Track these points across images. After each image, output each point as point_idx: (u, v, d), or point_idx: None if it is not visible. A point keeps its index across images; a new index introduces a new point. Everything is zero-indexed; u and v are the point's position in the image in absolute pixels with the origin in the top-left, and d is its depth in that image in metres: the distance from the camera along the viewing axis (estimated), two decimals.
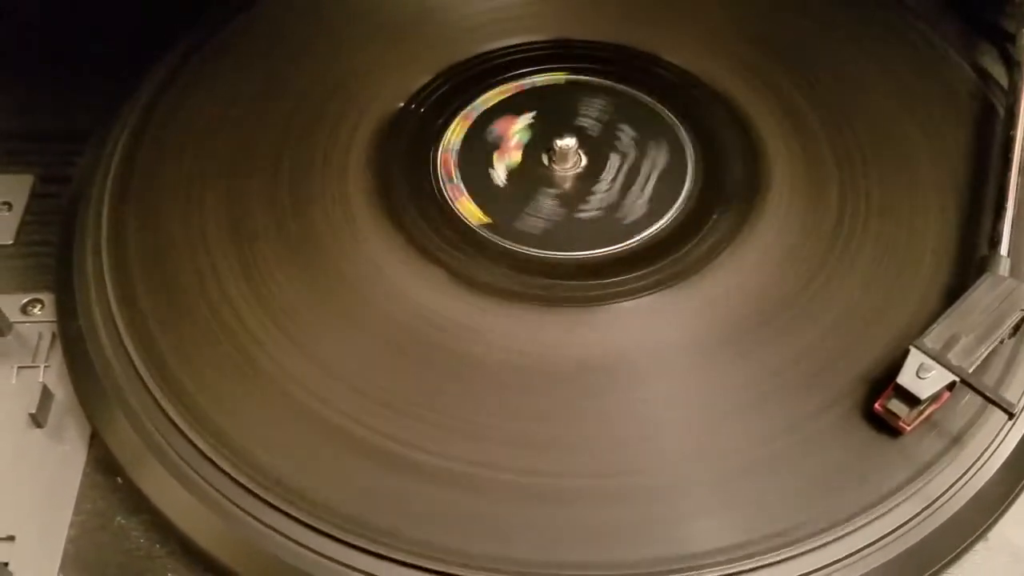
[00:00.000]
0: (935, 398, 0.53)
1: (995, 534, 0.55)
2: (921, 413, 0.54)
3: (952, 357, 0.53)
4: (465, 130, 0.71)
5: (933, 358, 0.53)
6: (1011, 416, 0.53)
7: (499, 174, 0.69)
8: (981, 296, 0.56)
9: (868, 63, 0.75)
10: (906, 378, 0.53)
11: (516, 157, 0.69)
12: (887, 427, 0.55)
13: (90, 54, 0.80)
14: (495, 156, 0.70)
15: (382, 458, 0.55)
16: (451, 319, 0.60)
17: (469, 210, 0.66)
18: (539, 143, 0.70)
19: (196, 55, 0.75)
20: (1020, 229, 0.62)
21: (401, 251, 0.64)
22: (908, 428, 0.54)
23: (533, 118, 0.72)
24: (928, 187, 0.66)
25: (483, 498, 0.53)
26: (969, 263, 0.61)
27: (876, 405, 0.55)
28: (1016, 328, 0.56)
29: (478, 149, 0.70)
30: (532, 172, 0.69)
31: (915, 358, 0.53)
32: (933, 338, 0.54)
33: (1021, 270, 0.60)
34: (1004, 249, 0.59)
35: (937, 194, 0.66)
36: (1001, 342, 0.56)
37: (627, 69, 0.75)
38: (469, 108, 0.72)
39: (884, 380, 0.55)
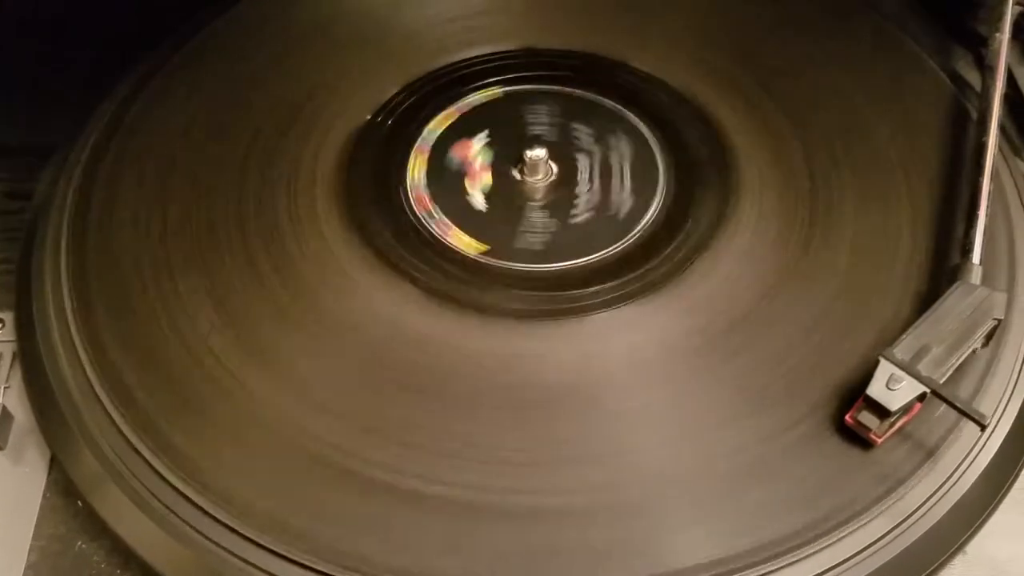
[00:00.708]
0: (906, 409, 0.53)
1: (973, 547, 0.55)
2: (892, 425, 0.53)
3: (922, 368, 0.53)
4: (426, 163, 0.70)
5: (903, 369, 0.52)
6: (983, 428, 0.53)
7: (477, 199, 0.68)
8: (953, 305, 0.56)
9: (841, 68, 0.74)
10: (876, 389, 0.52)
11: (486, 179, 0.69)
12: (859, 439, 0.54)
13: (56, 70, 0.80)
14: (466, 182, 0.69)
15: (351, 481, 0.54)
16: (422, 336, 0.60)
17: (465, 243, 0.65)
18: (507, 160, 0.69)
19: (159, 72, 0.75)
20: (992, 237, 0.61)
21: (372, 268, 0.63)
22: (879, 440, 0.53)
23: (488, 136, 0.71)
24: (901, 194, 0.66)
25: (458, 518, 0.53)
26: (942, 271, 0.61)
27: (847, 417, 0.54)
28: (988, 337, 0.56)
29: (446, 178, 0.69)
30: (508, 190, 0.68)
31: (885, 369, 0.53)
32: (903, 348, 0.54)
33: (994, 278, 0.60)
34: (976, 257, 0.59)
35: (910, 201, 0.66)
36: (973, 352, 0.55)
37: (596, 77, 0.75)
38: (420, 140, 0.71)
39: (857, 391, 0.54)
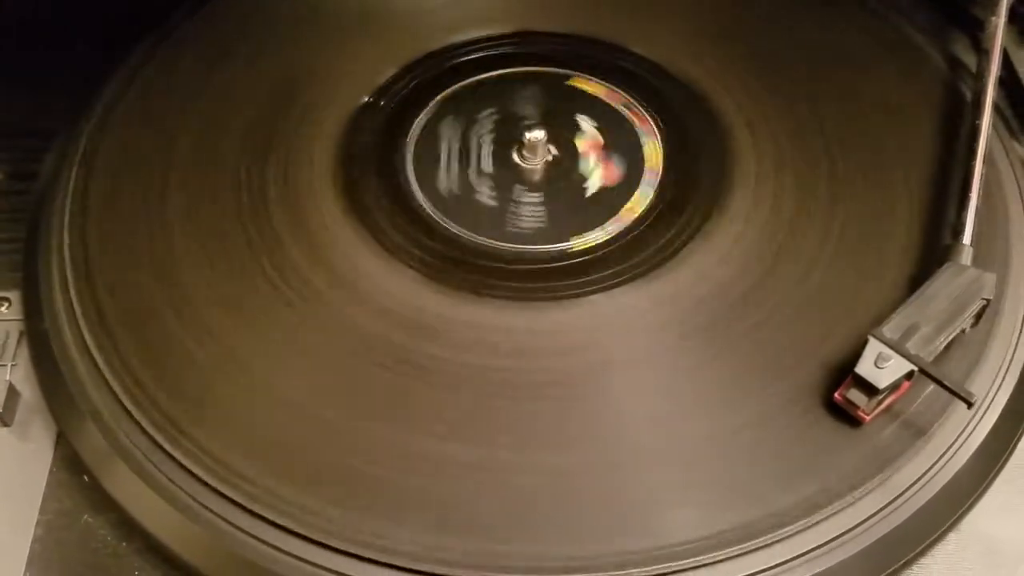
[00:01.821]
0: (895, 388, 0.53)
1: (967, 524, 0.55)
2: (880, 403, 0.54)
3: (911, 346, 0.53)
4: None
5: (891, 347, 0.53)
6: (970, 406, 0.53)
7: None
8: (942, 285, 0.56)
9: (837, 51, 0.75)
10: (864, 367, 0.53)
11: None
12: (848, 417, 0.54)
13: (58, 51, 0.81)
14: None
15: (354, 457, 0.55)
16: (421, 316, 0.60)
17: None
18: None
19: (159, 53, 0.75)
20: (988, 220, 0.62)
21: (370, 249, 0.64)
22: (867, 418, 0.54)
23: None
24: (895, 176, 0.66)
25: (455, 493, 0.54)
26: (934, 253, 0.61)
27: (836, 395, 0.55)
28: (978, 317, 0.56)
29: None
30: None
31: (873, 347, 0.53)
32: (892, 327, 0.54)
33: (987, 260, 0.60)
34: (967, 238, 0.59)
35: (904, 183, 0.66)
36: (963, 331, 0.56)
37: (593, 60, 0.75)
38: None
39: (848, 371, 0.54)
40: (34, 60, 0.80)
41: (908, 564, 0.54)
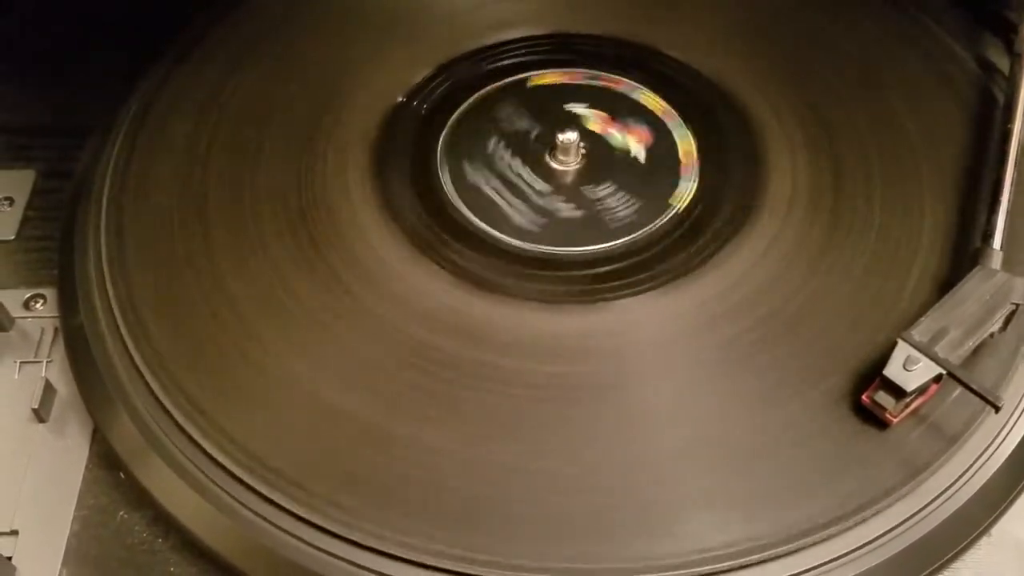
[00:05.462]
0: (922, 390, 0.53)
1: (999, 529, 0.55)
2: (908, 406, 0.54)
3: (939, 350, 0.53)
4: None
5: (920, 350, 0.53)
6: (997, 410, 0.53)
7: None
8: (972, 289, 0.56)
9: (870, 55, 0.74)
10: (893, 370, 0.53)
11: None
12: (875, 419, 0.55)
13: (92, 49, 0.81)
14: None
15: (385, 454, 0.55)
16: (452, 317, 0.61)
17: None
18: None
19: (193, 51, 0.76)
20: (1015, 222, 0.61)
21: (402, 249, 0.64)
22: (895, 420, 0.54)
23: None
24: (927, 180, 0.66)
25: (483, 493, 0.54)
26: (965, 256, 0.61)
27: (863, 397, 0.55)
28: (1007, 321, 0.56)
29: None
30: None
31: (902, 350, 0.53)
32: (921, 330, 0.54)
33: (1017, 265, 0.60)
34: (997, 243, 0.59)
35: (937, 187, 0.66)
36: (991, 336, 0.56)
37: (626, 62, 0.75)
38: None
39: (877, 373, 0.54)
40: (68, 58, 0.81)
41: (939, 570, 0.54)
